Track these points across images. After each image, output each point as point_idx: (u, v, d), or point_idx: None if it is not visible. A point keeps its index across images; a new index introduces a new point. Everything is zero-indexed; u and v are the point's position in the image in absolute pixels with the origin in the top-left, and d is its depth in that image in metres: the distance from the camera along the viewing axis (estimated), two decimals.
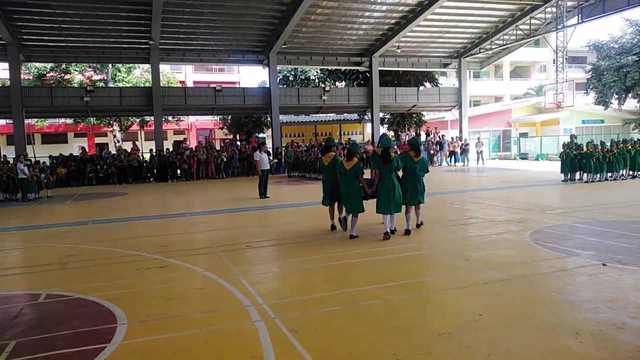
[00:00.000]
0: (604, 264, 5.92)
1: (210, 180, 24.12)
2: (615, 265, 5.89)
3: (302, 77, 37.07)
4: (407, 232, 8.25)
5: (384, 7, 24.12)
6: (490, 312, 4.49)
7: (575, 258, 6.31)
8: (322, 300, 5.00)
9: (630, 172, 17.43)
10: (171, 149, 27.02)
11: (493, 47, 29.57)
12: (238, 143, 31.49)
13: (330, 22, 25.07)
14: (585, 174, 16.60)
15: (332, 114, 35.76)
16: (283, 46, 25.84)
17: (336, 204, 8.80)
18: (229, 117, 39.12)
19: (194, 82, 49.20)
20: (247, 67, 44.63)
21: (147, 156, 26.59)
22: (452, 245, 7.53)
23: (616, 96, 32.12)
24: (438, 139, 30.20)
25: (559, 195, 13.81)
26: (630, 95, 31.50)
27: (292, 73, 37.27)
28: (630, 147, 17.28)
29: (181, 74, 48.83)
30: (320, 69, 35.96)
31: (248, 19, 24.03)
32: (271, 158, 19.77)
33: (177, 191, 19.00)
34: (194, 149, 26.56)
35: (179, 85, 41.25)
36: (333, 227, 8.85)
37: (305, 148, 26.28)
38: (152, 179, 24.76)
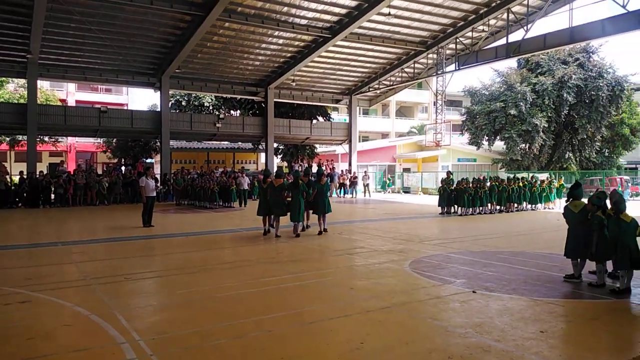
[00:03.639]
0: (474, 291, 6.42)
1: (90, 206, 22.39)
2: (483, 292, 6.41)
3: (196, 103, 36.38)
4: (320, 232, 12.12)
5: (281, 41, 24.68)
6: (372, 340, 4.63)
7: (449, 286, 6.77)
8: (207, 334, 4.81)
9: (497, 207, 19.27)
10: (45, 172, 24.75)
11: (381, 86, 31.50)
12: (123, 168, 29.76)
13: (227, 51, 25.03)
14: (459, 208, 18.05)
15: (226, 142, 35.38)
16: (177, 70, 25.22)
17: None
18: (114, 140, 36.94)
19: (77, 101, 45.97)
20: (138, 89, 42.89)
21: (16, 179, 24.02)
22: (339, 275, 7.70)
23: (486, 138, 35.66)
24: (329, 171, 31.10)
25: (436, 227, 14.83)
26: (498, 137, 35.14)
27: (186, 98, 36.43)
28: (494, 184, 19.11)
29: (62, 92, 45.41)
30: (215, 96, 35.58)
31: (140, 40, 23.14)
32: (158, 185, 18.94)
33: (50, 218, 17.37)
34: (72, 173, 24.57)
35: (59, 103, 38.22)
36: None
37: (196, 175, 25.55)
38: (20, 205, 22.37)
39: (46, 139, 34.48)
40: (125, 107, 44.73)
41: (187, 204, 23.01)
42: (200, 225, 14.73)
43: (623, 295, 6.21)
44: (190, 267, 8.30)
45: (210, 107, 36.65)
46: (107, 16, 20.41)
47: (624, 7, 17.68)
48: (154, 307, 6.01)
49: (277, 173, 12.61)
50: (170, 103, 30.83)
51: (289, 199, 12.04)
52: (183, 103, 36.34)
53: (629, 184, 28.91)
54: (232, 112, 36.81)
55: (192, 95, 35.85)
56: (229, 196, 21.48)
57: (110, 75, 26.18)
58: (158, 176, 25.20)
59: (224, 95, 32.89)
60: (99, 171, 30.24)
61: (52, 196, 22.78)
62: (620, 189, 24.91)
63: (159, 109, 27.84)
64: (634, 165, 47.90)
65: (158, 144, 29.40)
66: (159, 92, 27.12)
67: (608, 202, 6.69)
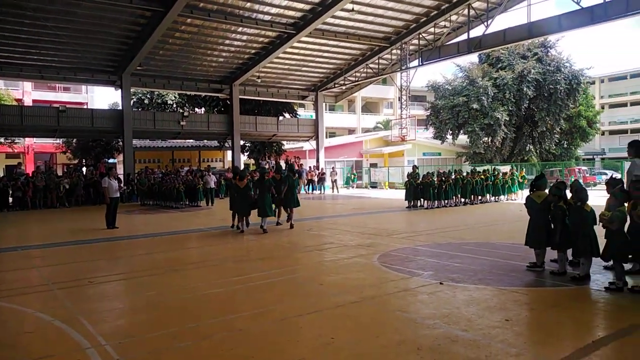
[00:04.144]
0: (441, 283, 6.52)
1: (50, 209, 21.68)
2: (450, 283, 6.53)
3: (159, 101, 35.65)
4: (291, 226, 12.48)
5: (244, 37, 24.42)
6: (342, 334, 4.65)
7: (417, 278, 6.87)
8: (175, 336, 4.72)
9: (462, 199, 19.65)
10: (2, 175, 23.80)
11: (346, 82, 31.63)
12: (84, 169, 28.90)
13: (189, 47, 24.59)
14: (425, 201, 18.33)
15: (191, 140, 34.84)
16: (138, 68, 24.63)
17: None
18: (74, 140, 35.82)
19: (34, 101, 44.32)
20: (98, 87, 41.75)
21: None
22: (308, 271, 7.71)
23: (450, 132, 36.29)
24: (297, 167, 31.05)
25: (403, 220, 15.02)
26: (462, 131, 35.82)
27: (148, 96, 35.64)
28: (459, 177, 19.48)
29: (18, 91, 43.71)
30: (179, 94, 34.96)
31: (99, 37, 22.42)
32: (121, 185, 18.51)
33: (8, 222, 16.72)
34: (30, 175, 23.72)
35: (15, 103, 36.77)
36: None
37: (160, 175, 25.07)
38: None
39: (2, 140, 33.20)
40: (85, 106, 43.43)
41: (152, 205, 22.57)
42: (166, 226, 14.47)
43: (583, 282, 6.43)
44: (156, 268, 8.15)
45: (174, 105, 36.00)
46: (64, 12, 19.70)
47: (577, 3, 18.30)
48: (119, 310, 5.87)
49: (240, 174, 12.60)
50: (132, 101, 30.13)
51: (277, 195, 12.40)
52: (145, 101, 35.56)
53: (582, 174, 30.00)
54: (196, 109, 36.22)
55: (154, 93, 35.12)
56: (195, 195, 21.18)
57: (69, 73, 25.36)
58: (121, 176, 24.62)
59: (188, 93, 32.35)
60: (59, 172, 29.24)
61: (10, 200, 21.97)
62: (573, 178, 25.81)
63: (120, 108, 27.15)
64: (591, 156, 49.88)
65: (120, 143, 28.67)
66: (119, 90, 26.43)
67: (568, 192, 6.90)
